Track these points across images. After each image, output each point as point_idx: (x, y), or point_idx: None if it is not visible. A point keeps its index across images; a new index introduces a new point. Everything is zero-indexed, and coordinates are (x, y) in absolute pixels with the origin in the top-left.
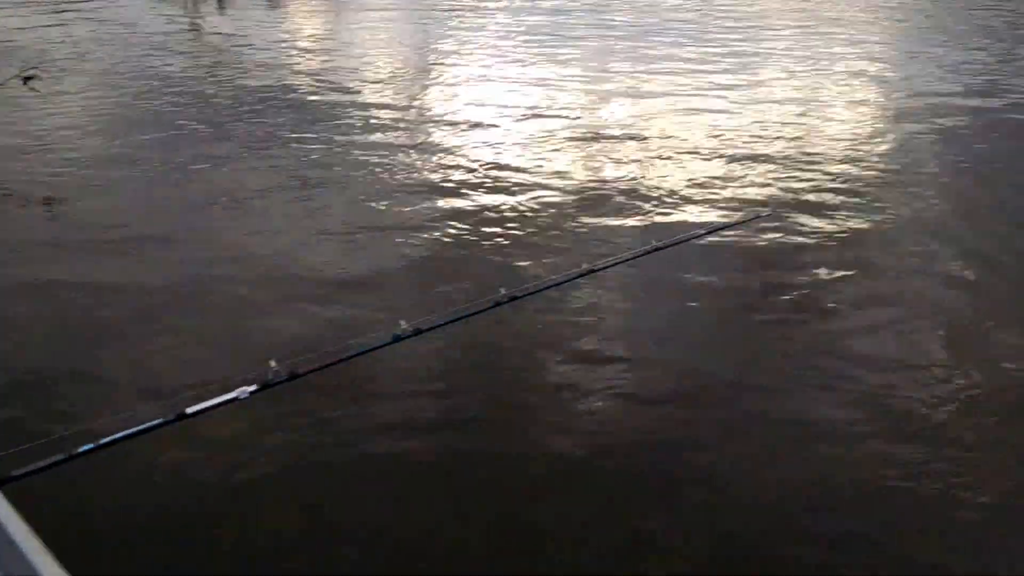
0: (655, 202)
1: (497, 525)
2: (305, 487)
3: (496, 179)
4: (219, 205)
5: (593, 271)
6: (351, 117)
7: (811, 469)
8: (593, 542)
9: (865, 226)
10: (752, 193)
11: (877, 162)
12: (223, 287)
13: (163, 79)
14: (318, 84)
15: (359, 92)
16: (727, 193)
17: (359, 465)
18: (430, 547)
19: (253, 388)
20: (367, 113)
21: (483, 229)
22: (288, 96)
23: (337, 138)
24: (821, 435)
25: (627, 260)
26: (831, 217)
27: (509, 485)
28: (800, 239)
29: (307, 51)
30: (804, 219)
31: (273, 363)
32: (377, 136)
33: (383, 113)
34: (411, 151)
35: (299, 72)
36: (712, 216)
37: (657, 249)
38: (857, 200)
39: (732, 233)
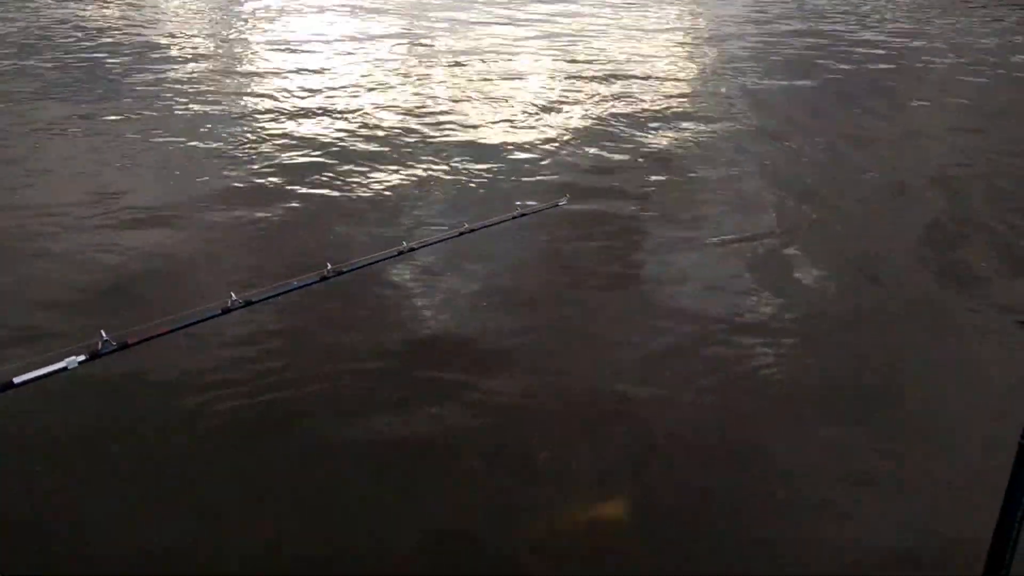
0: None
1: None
2: (122, 455)
3: (300, 140)
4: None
5: (412, 250)
6: (166, 73)
7: None
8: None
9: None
10: (559, 171)
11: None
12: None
13: None
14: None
15: (169, 52)
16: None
17: (183, 434)
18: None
19: (83, 358)
20: (182, 68)
21: (304, 195)
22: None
23: (157, 103)
24: None
25: (442, 240)
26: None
27: (326, 456)
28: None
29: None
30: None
31: (103, 333)
32: (197, 88)
33: (198, 70)
34: (231, 102)
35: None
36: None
37: (472, 230)
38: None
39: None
